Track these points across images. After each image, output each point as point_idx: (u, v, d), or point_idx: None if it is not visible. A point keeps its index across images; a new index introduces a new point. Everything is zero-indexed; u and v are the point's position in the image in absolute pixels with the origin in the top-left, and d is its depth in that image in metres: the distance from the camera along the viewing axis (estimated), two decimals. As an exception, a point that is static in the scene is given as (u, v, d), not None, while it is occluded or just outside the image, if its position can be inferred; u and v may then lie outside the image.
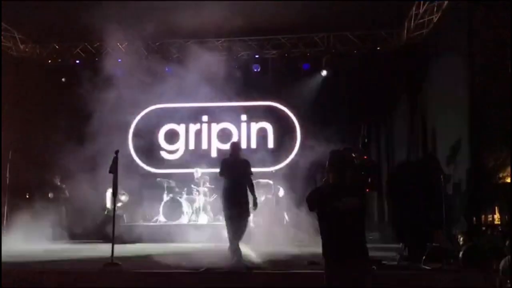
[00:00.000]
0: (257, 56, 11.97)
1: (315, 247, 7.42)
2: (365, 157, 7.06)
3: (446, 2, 9.11)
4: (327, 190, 3.82)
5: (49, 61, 12.07)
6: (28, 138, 11.15)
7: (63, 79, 11.94)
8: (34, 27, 10.55)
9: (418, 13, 9.96)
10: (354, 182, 3.99)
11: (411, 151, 10.68)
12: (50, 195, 10.93)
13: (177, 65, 12.02)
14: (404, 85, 11.03)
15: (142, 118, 12.62)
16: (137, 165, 12.26)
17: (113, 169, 6.80)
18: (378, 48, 11.37)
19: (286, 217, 10.33)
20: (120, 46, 11.91)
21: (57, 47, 11.89)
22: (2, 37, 11.19)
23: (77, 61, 12.18)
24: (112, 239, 6.70)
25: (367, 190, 8.28)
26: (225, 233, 7.09)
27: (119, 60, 12.03)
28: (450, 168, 8.39)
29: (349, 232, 3.66)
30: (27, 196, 11.12)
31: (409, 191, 9.67)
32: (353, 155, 5.90)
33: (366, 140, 7.73)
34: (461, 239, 6.51)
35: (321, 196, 3.77)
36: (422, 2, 9.60)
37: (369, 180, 6.78)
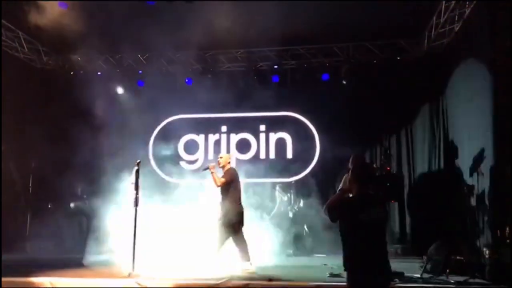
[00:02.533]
0: (276, 66, 11.98)
1: (335, 259, 7.43)
2: (388, 168, 7.00)
3: (467, 11, 9.01)
4: (351, 201, 3.79)
5: (71, 72, 12.25)
6: (52, 148, 11.31)
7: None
8: (57, 39, 10.72)
9: (439, 22, 9.87)
10: (378, 192, 3.96)
11: (433, 161, 10.53)
12: (71, 205, 11.06)
13: (196, 76, 12.16)
14: (426, 95, 10.91)
15: (162, 128, 12.73)
16: (158, 175, 12.34)
17: (135, 181, 6.85)
18: (398, 58, 11.28)
19: (306, 228, 10.27)
20: (141, 57, 12.04)
21: (79, 59, 12.07)
22: (26, 49, 11.44)
23: (99, 73, 12.34)
24: (133, 251, 6.72)
25: (392, 201, 8.22)
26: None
27: (140, 71, 12.21)
28: (473, 179, 8.24)
29: (374, 244, 3.65)
30: (49, 206, 11.26)
31: (431, 202, 9.60)
32: (375, 166, 5.87)
33: (388, 152, 7.67)
34: (487, 252, 6.36)
35: (345, 207, 3.73)
36: (443, 11, 9.50)
37: (394, 191, 6.73)
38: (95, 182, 10.71)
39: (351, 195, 3.82)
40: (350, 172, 3.86)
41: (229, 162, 7.69)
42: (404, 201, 10.42)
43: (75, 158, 11.25)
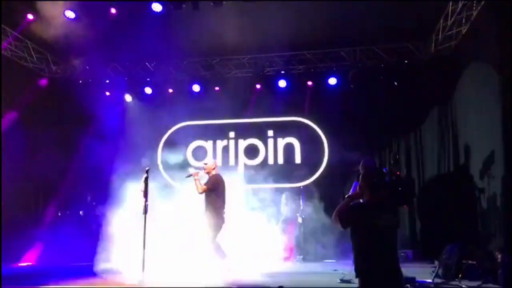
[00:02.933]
0: (283, 71, 11.98)
1: (345, 265, 7.39)
2: (398, 172, 6.95)
3: (475, 14, 8.97)
4: (363, 207, 3.76)
5: (80, 81, 12.33)
6: (60, 156, 11.37)
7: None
8: (64, 48, 10.83)
9: (446, 25, 9.83)
10: (390, 198, 3.93)
11: (443, 165, 10.46)
12: (80, 212, 11.11)
13: (204, 82, 12.20)
14: (434, 98, 10.85)
15: (170, 135, 12.77)
16: (166, 182, 12.36)
17: (144, 188, 6.86)
18: (406, 61, 11.24)
19: (315, 233, 10.22)
20: (148, 65, 12.11)
21: (87, 67, 12.15)
22: (34, 58, 11.55)
23: (107, 81, 12.41)
24: (143, 261, 6.69)
25: (404, 206, 8.18)
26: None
27: (148, 79, 12.27)
28: (484, 182, 8.18)
29: (386, 249, 3.63)
30: (59, 214, 11.32)
31: (441, 206, 9.52)
32: (385, 170, 5.84)
33: (398, 156, 7.63)
34: (499, 257, 6.30)
35: (357, 214, 3.71)
36: (450, 14, 9.46)
37: (405, 196, 6.68)
38: (104, 190, 10.74)
39: (362, 201, 3.80)
40: (360, 177, 3.83)
41: (214, 168, 7.59)
42: (415, 206, 10.36)
43: (84, 165, 11.33)
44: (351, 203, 3.85)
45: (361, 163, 6.35)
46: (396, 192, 5.79)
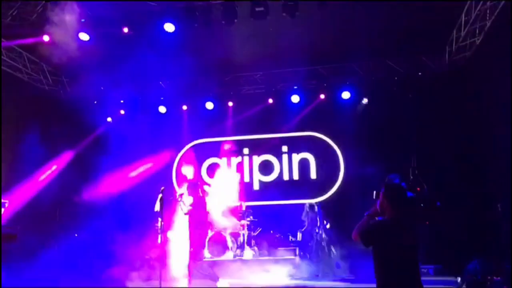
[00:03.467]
0: (295, 87, 11.95)
1: (364, 282, 7.22)
2: (418, 188, 6.83)
3: (488, 24, 8.88)
4: (387, 225, 3.71)
5: (95, 102, 12.42)
6: (78, 175, 11.42)
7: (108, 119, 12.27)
8: (79, 69, 10.95)
9: (460, 36, 9.75)
10: (413, 215, 3.94)
11: (462, 178, 10.26)
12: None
13: (217, 99, 12.23)
14: (449, 110, 10.70)
15: (185, 153, 12.78)
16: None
17: (160, 208, 6.85)
18: (420, 74, 11.14)
19: (334, 250, 10.06)
20: (162, 84, 12.17)
21: (102, 88, 12.23)
22: (50, 80, 11.68)
23: (122, 101, 12.50)
24: (160, 277, 6.68)
25: (427, 222, 8.04)
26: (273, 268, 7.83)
27: (162, 98, 12.33)
28: (506, 195, 7.99)
29: (409, 266, 3.61)
30: (76, 235, 11.30)
31: (463, 220, 9.32)
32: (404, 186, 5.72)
33: (416, 171, 7.51)
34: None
35: (381, 231, 3.66)
36: (463, 25, 9.38)
37: (428, 212, 6.55)
38: (120, 210, 10.77)
39: (384, 219, 3.74)
40: (381, 194, 3.77)
41: (199, 191, 7.73)
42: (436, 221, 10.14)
43: (100, 185, 11.38)
44: (372, 221, 3.79)
45: (386, 180, 6.25)
46: (418, 209, 5.68)
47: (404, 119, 10.84)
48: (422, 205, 6.00)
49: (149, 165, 11.43)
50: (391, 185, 3.85)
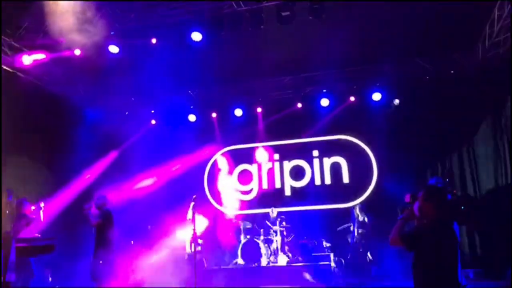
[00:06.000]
0: (324, 90, 11.83)
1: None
2: (454, 191, 6.64)
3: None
4: (430, 227, 3.68)
5: (126, 112, 12.61)
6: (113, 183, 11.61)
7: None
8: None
9: (493, 32, 9.45)
10: (454, 217, 3.96)
11: (500, 178, 9.92)
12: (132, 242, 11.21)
13: (246, 105, 12.25)
14: (484, 108, 10.39)
15: (216, 160, 12.84)
16: (213, 207, 12.40)
17: (192, 216, 6.88)
18: (452, 72, 10.86)
19: (369, 255, 9.90)
20: (191, 93, 12.25)
21: (133, 98, 12.38)
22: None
23: (152, 111, 12.68)
24: (195, 284, 6.70)
25: (467, 225, 7.84)
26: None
27: (191, 106, 12.44)
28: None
29: (450, 268, 3.62)
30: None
31: (501, 222, 8.99)
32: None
33: (452, 173, 7.32)
34: None
35: (424, 234, 3.66)
36: (496, 20, 9.09)
37: (469, 214, 6.37)
38: (153, 217, 10.86)
39: (426, 222, 3.74)
40: (422, 198, 3.72)
41: (104, 203, 7.62)
42: (476, 223, 9.84)
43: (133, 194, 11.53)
44: (415, 225, 3.84)
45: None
46: (458, 211, 5.52)
47: (436, 119, 10.57)
48: (462, 207, 5.83)
49: (176, 168, 11.54)
50: (434, 188, 3.82)
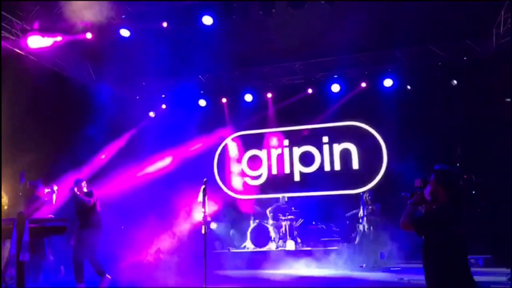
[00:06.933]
0: (335, 76, 11.75)
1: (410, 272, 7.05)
2: (465, 176, 6.60)
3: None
4: (442, 212, 3.64)
5: (137, 97, 12.66)
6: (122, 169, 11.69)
7: None
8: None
9: (508, 17, 9.30)
10: (464, 202, 3.84)
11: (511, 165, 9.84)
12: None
13: (256, 91, 12.22)
14: (498, 95, 10.25)
15: (225, 145, 12.89)
16: (223, 192, 12.48)
17: (202, 199, 6.91)
18: (465, 58, 10.72)
19: (378, 240, 9.89)
20: (201, 78, 12.23)
21: (144, 83, 12.42)
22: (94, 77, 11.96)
23: (163, 95, 12.71)
24: (205, 268, 6.74)
25: (478, 210, 7.81)
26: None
27: (202, 91, 12.43)
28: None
29: (461, 254, 3.57)
30: (122, 227, 11.54)
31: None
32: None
33: (463, 158, 7.26)
34: None
35: (437, 219, 3.61)
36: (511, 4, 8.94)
37: (480, 199, 6.34)
38: (165, 203, 10.95)
39: (436, 206, 3.69)
40: (434, 182, 3.68)
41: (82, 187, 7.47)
42: (486, 208, 9.79)
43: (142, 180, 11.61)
44: (426, 209, 3.78)
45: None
46: (470, 196, 5.49)
47: (448, 106, 10.48)
48: (473, 192, 5.79)
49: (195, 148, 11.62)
50: (446, 171, 3.74)
